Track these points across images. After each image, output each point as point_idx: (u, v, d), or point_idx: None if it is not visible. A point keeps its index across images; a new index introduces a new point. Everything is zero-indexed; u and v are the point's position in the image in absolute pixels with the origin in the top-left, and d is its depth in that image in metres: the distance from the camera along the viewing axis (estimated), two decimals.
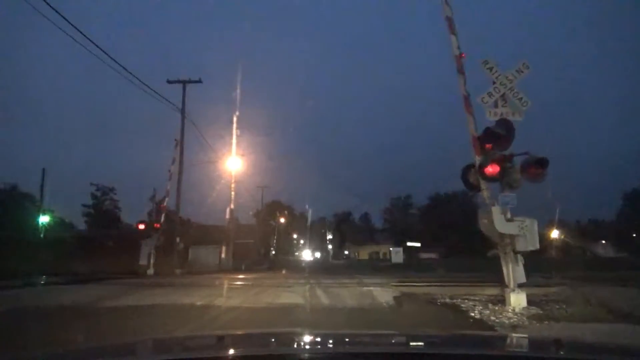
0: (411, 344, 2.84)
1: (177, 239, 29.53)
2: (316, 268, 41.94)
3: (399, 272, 35.30)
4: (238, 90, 38.83)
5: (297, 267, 46.05)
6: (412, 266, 45.02)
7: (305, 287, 14.88)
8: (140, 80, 24.27)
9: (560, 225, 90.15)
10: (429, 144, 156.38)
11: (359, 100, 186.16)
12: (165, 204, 24.40)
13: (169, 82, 31.13)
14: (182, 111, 30.68)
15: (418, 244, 69.76)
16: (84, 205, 68.99)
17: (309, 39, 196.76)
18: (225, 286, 15.82)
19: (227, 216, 44.71)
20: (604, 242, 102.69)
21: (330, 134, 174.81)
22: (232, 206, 38.48)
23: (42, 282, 18.52)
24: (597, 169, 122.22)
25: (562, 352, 2.35)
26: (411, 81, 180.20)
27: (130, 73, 22.89)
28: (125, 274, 22.96)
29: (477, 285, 15.43)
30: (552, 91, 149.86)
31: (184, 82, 31.17)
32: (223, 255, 39.19)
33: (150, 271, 23.35)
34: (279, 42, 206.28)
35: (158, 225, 24.14)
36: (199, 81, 31.44)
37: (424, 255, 64.34)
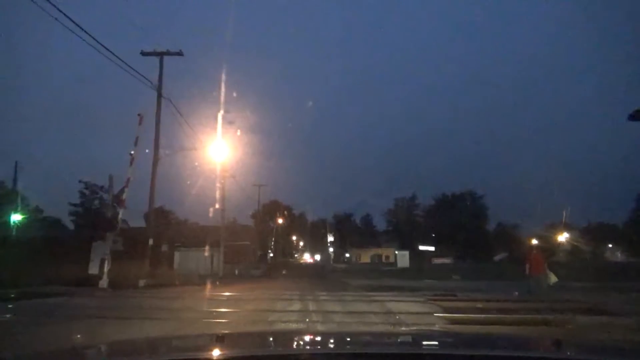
0: (412, 344, 2.69)
1: (150, 241, 23.59)
2: (317, 276, 35.81)
3: (412, 280, 29.81)
4: (229, 76, 32.90)
5: (296, 274, 39.94)
6: (423, 272, 39.05)
7: (303, 320, 8.95)
8: (105, 47, 18.36)
9: (567, 228, 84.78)
10: (431, 143, 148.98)
11: (360, 98, 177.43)
12: (124, 196, 18.48)
13: (143, 54, 25.29)
14: (159, 88, 24.84)
15: (431, 248, 63.64)
16: (72, 204, 63.02)
17: (305, 34, 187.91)
18: (181, 316, 9.88)
19: (214, 214, 39.03)
20: (610, 245, 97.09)
21: (330, 132, 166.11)
22: (218, 205, 32.42)
23: None
24: (604, 172, 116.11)
25: (562, 352, 2.30)
26: (413, 76, 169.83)
27: (95, 38, 16.98)
28: (76, 285, 17.30)
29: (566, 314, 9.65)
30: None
31: (161, 54, 25.31)
32: (206, 254, 33.31)
33: (104, 283, 17.39)
34: (273, 30, 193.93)
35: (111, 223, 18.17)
36: (180, 53, 25.58)
37: (437, 261, 58.06)
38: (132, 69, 21.66)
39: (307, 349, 2.35)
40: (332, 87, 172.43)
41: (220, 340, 2.50)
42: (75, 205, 64.53)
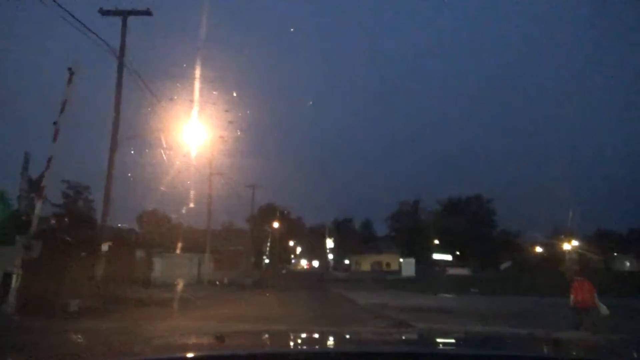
0: (412, 343, 2.62)
1: (105, 246, 17.83)
2: (315, 288, 29.98)
3: (427, 294, 24.42)
4: (215, 54, 27.32)
5: (291, 285, 34.02)
6: (436, 283, 33.26)
7: None
8: None
9: (574, 236, 79.51)
10: (434, 146, 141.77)
11: (362, 96, 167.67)
12: (44, 183, 12.63)
13: (102, 12, 19.66)
14: (120, 55, 19.28)
15: (449, 257, 57.62)
16: (54, 205, 57.04)
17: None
18: None
19: (209, 217, 33.31)
20: (616, 254, 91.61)
21: (328, 134, 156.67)
22: (207, 206, 26.81)
23: None
24: (605, 180, 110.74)
25: (562, 352, 2.21)
26: (419, 75, 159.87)
27: None
28: None
29: None
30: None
31: (125, 14, 19.70)
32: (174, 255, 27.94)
33: (8, 307, 11.55)
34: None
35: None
36: (147, 13, 19.99)
37: (451, 271, 51.95)
38: (87, 28, 16.07)
39: (308, 349, 2.27)
40: (333, 85, 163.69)
41: (220, 339, 2.33)
42: (58, 206, 58.85)
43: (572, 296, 13.95)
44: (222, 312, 14.00)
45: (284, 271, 39.24)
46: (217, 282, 28.87)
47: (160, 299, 17.98)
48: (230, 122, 27.69)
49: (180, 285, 27.11)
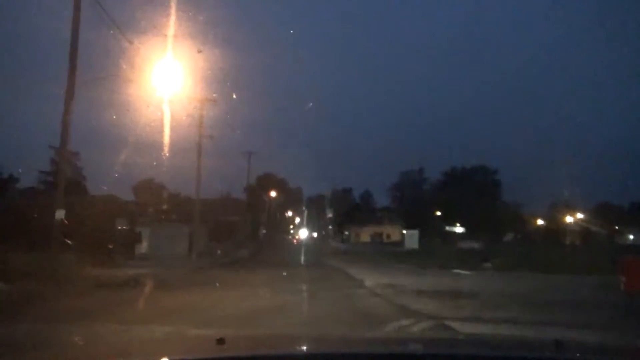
0: (411, 345, 2.53)
1: (59, 213, 14.36)
2: (313, 264, 26.75)
3: (437, 269, 21.67)
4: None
5: (287, 258, 30.80)
6: (443, 256, 30.03)
7: None
8: None
9: (575, 209, 76.54)
10: (438, 114, 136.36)
11: (363, 61, 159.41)
12: None
13: None
14: None
15: (461, 229, 54.61)
16: (42, 172, 53.44)
17: None
18: None
19: (210, 186, 29.85)
20: (617, 227, 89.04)
21: (328, 102, 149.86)
22: (184, 170, 23.31)
23: None
24: (604, 153, 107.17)
25: (562, 352, 2.14)
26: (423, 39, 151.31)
27: None
28: None
29: None
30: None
31: None
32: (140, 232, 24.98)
33: None
34: None
35: None
36: None
37: (462, 244, 48.82)
38: None
39: (307, 350, 2.21)
40: (333, 48, 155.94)
41: (220, 341, 2.18)
42: (47, 173, 55.21)
43: (624, 278, 12.18)
44: (187, 303, 10.42)
45: (272, 254, 35.98)
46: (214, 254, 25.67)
47: (124, 278, 14.48)
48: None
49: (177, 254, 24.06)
